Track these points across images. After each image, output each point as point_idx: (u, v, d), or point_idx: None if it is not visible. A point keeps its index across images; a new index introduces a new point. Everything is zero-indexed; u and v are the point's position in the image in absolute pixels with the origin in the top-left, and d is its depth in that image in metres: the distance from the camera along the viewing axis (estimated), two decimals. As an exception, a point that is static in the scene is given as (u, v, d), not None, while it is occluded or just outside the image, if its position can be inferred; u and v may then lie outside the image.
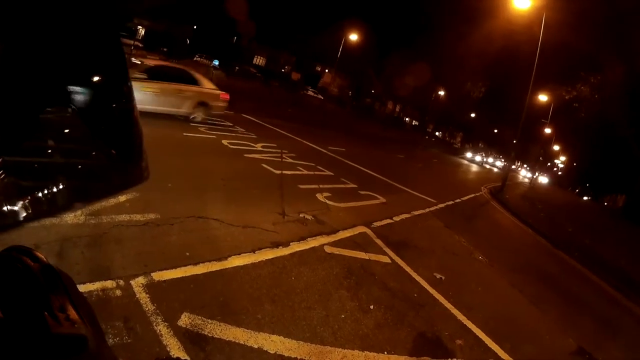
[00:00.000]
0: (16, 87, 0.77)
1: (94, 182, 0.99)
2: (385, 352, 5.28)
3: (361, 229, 9.55)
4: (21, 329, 0.74)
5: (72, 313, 0.83)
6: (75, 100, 0.89)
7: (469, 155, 66.76)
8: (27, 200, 0.82)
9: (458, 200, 19.28)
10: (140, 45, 53.72)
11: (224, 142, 14.38)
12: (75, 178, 0.93)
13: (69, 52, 0.87)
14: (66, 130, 0.91)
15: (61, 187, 0.90)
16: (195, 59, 64.11)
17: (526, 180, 72.78)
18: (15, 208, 0.80)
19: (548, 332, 7.92)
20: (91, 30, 0.93)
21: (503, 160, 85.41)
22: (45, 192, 0.86)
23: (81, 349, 0.79)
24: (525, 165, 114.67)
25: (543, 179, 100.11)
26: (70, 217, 5.80)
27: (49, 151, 0.88)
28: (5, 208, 0.79)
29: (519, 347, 6.76)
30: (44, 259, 0.88)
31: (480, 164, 63.20)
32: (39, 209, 0.85)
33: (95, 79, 0.95)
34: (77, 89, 0.90)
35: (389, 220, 11.12)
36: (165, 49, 60.09)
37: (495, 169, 69.01)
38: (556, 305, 9.78)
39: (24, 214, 0.82)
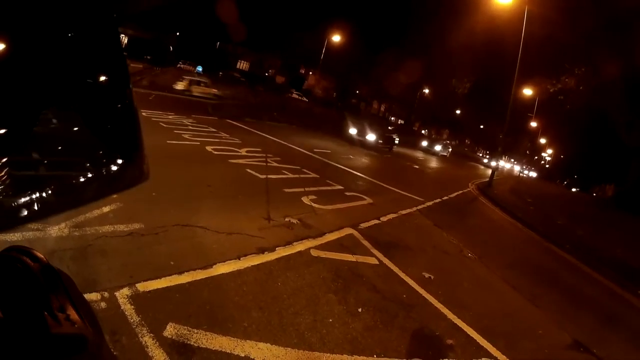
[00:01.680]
0: (21, 89, 0.77)
1: (96, 182, 1.00)
2: (375, 355, 5.21)
3: (348, 230, 9.50)
4: (21, 329, 0.75)
5: (72, 313, 0.85)
6: (80, 102, 0.91)
7: (352, 131, 34.41)
8: (29, 200, 0.84)
9: (446, 198, 19.30)
10: (124, 53, 53.66)
11: (208, 148, 14.37)
12: (78, 178, 0.96)
13: (73, 56, 0.88)
14: (70, 131, 0.93)
15: (64, 186, 0.92)
16: (179, 65, 64.19)
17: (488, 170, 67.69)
18: (18, 207, 0.82)
19: (542, 327, 7.88)
20: (94, 35, 0.95)
21: (447, 142, 77.48)
22: (48, 191, 0.88)
23: (81, 348, 0.81)
24: (512, 160, 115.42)
25: (524, 171, 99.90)
26: (55, 230, 5.75)
27: (53, 152, 0.91)
28: (7, 207, 0.81)
29: (512, 343, 6.73)
30: (44, 259, 0.90)
31: (387, 150, 36.73)
32: (42, 208, 0.86)
33: (99, 82, 0.99)
34: (82, 92, 0.92)
35: (376, 221, 11.07)
36: (149, 57, 60.11)
37: (435, 159, 49.74)
38: (549, 299, 9.73)
39: (27, 213, 0.84)
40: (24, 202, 0.82)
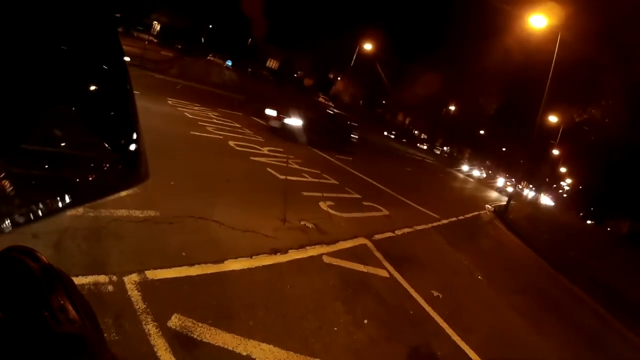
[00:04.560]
0: (16, 87, 0.75)
1: (93, 183, 0.98)
2: (376, 369, 5.21)
3: (362, 240, 9.48)
4: (21, 329, 0.74)
5: (72, 313, 0.83)
6: (76, 100, 0.88)
7: None
8: (24, 202, 0.82)
9: (461, 217, 19.21)
10: (155, 40, 54.00)
11: (231, 143, 14.36)
12: (75, 179, 0.94)
13: (69, 52, 0.86)
14: (66, 131, 0.90)
15: (60, 188, 0.89)
16: (209, 57, 64.46)
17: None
18: (14, 209, 0.80)
19: (544, 359, 7.82)
20: (91, 31, 0.92)
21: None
22: (43, 193, 0.86)
23: (81, 349, 0.79)
24: (530, 185, 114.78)
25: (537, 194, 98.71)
26: (69, 208, 5.76)
27: (49, 151, 0.88)
28: (3, 209, 0.79)
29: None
30: (45, 259, 0.87)
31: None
32: (37, 210, 0.84)
33: (96, 79, 0.94)
34: (78, 90, 0.89)
35: (390, 234, 11.05)
36: (180, 46, 60.42)
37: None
38: (554, 330, 9.67)
39: (22, 216, 0.82)
40: (13, 206, 0.82)
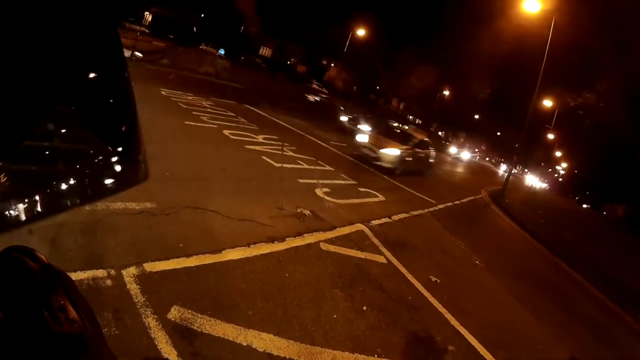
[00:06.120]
0: (14, 87, 0.74)
1: (92, 183, 0.98)
2: (376, 355, 5.22)
3: (359, 226, 9.51)
4: (21, 329, 0.74)
5: (72, 313, 0.84)
6: (74, 99, 0.87)
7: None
8: (25, 202, 0.82)
9: (457, 202, 19.23)
10: (147, 31, 53.68)
11: (225, 132, 14.36)
12: (74, 179, 0.93)
13: (65, 49, 0.84)
14: (65, 130, 0.89)
15: (60, 188, 0.90)
16: (201, 47, 64.09)
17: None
18: (14, 209, 0.81)
19: (542, 341, 7.85)
20: (88, 27, 0.91)
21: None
22: (43, 193, 0.87)
23: (81, 348, 0.80)
24: (526, 170, 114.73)
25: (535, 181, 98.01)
26: (66, 202, 5.72)
27: (48, 152, 0.88)
28: (4, 209, 0.79)
29: (512, 355, 6.72)
30: (44, 259, 0.87)
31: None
32: (37, 210, 0.85)
33: (93, 78, 0.93)
34: (76, 88, 0.88)
35: (387, 219, 11.07)
36: (171, 36, 60.05)
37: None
38: (552, 313, 9.72)
39: (23, 216, 0.82)
40: (13, 205, 0.80)
